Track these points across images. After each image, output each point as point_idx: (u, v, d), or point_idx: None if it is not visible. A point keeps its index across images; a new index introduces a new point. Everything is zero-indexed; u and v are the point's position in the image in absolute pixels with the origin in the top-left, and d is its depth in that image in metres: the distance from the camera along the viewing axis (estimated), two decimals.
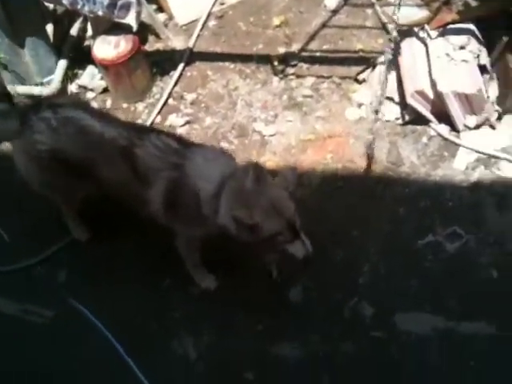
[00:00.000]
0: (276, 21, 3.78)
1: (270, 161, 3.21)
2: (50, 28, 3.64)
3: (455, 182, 3.08)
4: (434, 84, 3.13)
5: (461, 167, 3.12)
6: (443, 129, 3.24)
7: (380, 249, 2.91)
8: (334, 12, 3.81)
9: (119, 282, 2.89)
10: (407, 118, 3.26)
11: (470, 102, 3.13)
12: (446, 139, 3.22)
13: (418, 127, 3.27)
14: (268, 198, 2.20)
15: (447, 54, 3.23)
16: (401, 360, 2.61)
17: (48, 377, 2.67)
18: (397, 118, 3.30)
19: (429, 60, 3.24)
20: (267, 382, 2.63)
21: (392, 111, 3.32)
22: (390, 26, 3.54)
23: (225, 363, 2.66)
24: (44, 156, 2.51)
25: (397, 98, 3.33)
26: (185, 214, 2.42)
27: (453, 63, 3.21)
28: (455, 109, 3.15)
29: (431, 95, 3.16)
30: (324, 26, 3.73)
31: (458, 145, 3.20)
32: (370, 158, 3.15)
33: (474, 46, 3.27)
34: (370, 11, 3.82)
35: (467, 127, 3.20)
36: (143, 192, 2.42)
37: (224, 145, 3.30)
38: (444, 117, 3.22)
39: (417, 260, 2.87)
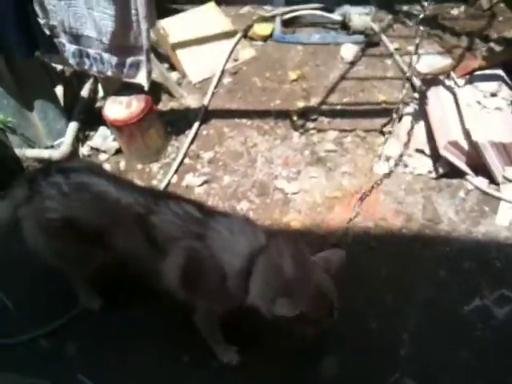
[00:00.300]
0: (292, 75, 3.67)
1: (294, 220, 2.98)
2: (59, 90, 3.55)
3: (500, 240, 2.82)
4: (467, 134, 2.92)
5: (504, 223, 2.87)
6: (481, 182, 3.01)
7: (421, 316, 2.61)
8: (352, 64, 3.71)
9: (133, 356, 2.60)
10: (441, 171, 3.04)
11: (508, 152, 2.91)
12: (485, 193, 2.98)
13: (454, 181, 3.05)
14: (310, 283, 2.03)
15: (478, 102, 3.05)
16: None
17: None
18: (429, 172, 3.08)
19: (459, 109, 3.05)
20: None
21: (424, 164, 3.10)
22: (411, 76, 3.39)
23: None
24: (55, 224, 2.30)
25: (428, 151, 3.12)
26: (205, 289, 2.20)
27: (485, 111, 3.02)
28: (493, 160, 2.92)
29: (466, 146, 2.94)
30: (343, 78, 3.61)
31: (498, 198, 2.95)
32: None
33: (505, 92, 3.09)
34: (389, 61, 3.71)
35: (507, 179, 2.97)
36: (159, 263, 2.21)
37: (245, 204, 3.09)
38: (481, 169, 3.00)
39: (464, 328, 2.56)
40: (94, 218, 2.28)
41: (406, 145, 3.16)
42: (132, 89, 3.22)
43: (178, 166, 3.31)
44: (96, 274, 2.65)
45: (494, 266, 2.74)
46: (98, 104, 3.62)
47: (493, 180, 3.00)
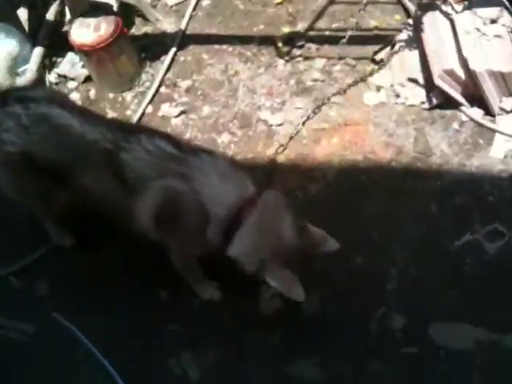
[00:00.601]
0: None
1: (278, 153, 2.82)
2: (23, 13, 3.27)
3: (494, 173, 2.69)
4: (464, 62, 2.73)
5: (499, 156, 2.73)
6: (476, 113, 2.84)
7: (410, 251, 2.51)
8: None
9: (109, 293, 2.49)
10: (435, 101, 2.86)
11: (507, 82, 2.73)
12: (480, 125, 2.82)
13: (448, 112, 2.87)
14: (299, 249, 2.01)
15: (477, 29, 2.84)
16: (437, 380, 2.23)
17: None
18: (422, 102, 2.90)
19: (456, 36, 2.84)
20: None
21: (416, 95, 2.92)
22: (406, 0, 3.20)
23: None
24: (13, 159, 2.13)
25: (421, 80, 2.93)
26: (182, 233, 2.07)
27: (485, 39, 2.81)
28: (490, 89, 2.75)
29: (462, 75, 2.76)
30: (332, 2, 3.35)
31: (493, 130, 2.80)
32: None
33: (506, 18, 2.87)
34: None
35: (504, 110, 2.81)
36: (130, 203, 2.05)
37: (226, 137, 2.91)
38: (477, 99, 2.83)
39: (453, 263, 2.47)
40: (55, 154, 2.10)
41: (399, 74, 2.97)
42: (101, 10, 3.00)
43: (153, 96, 3.10)
44: (64, 210, 2.50)
45: (486, 200, 2.62)
46: (66, 28, 3.32)
47: (488, 111, 2.84)
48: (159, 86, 3.13)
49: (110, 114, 3.05)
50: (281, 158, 2.80)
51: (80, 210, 2.50)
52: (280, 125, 2.93)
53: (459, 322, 2.33)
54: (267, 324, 2.30)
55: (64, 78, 3.23)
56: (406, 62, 3.00)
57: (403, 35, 3.09)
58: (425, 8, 3.09)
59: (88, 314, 2.43)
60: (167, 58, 3.20)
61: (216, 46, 3.26)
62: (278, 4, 3.37)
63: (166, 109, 3.05)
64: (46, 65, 3.23)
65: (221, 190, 1.99)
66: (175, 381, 2.29)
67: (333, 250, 2.12)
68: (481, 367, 2.22)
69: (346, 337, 2.34)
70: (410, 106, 2.91)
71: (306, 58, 3.15)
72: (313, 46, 3.19)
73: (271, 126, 2.93)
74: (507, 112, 2.80)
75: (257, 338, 2.35)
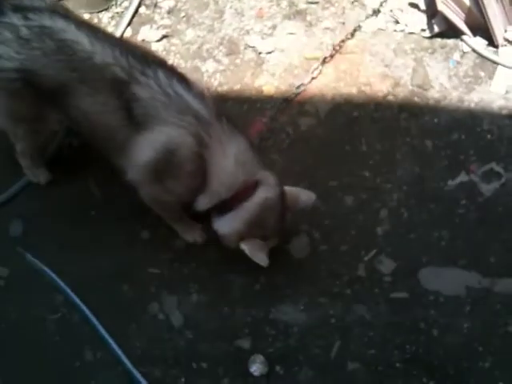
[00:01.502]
0: None
1: (267, 84, 2.63)
2: None
3: (493, 109, 2.54)
4: None
5: (500, 90, 2.57)
6: (479, 43, 2.65)
7: (402, 192, 2.41)
8: None
9: (85, 233, 2.38)
10: (436, 29, 2.66)
11: None
12: (482, 56, 2.64)
13: (449, 41, 2.68)
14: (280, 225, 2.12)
15: None
16: (426, 325, 2.19)
17: (2, 343, 2.23)
18: (423, 30, 2.70)
19: None
20: (265, 351, 2.18)
21: (417, 21, 2.71)
22: None
23: (215, 330, 2.23)
24: (8, 76, 1.93)
25: (423, 5, 2.72)
26: (170, 184, 1.99)
27: None
28: (495, 17, 2.55)
29: (467, 1, 2.55)
30: None
31: (496, 63, 2.62)
32: None
33: None
34: None
35: (508, 41, 2.63)
36: (128, 138, 1.91)
37: (211, 65, 2.70)
38: (480, 29, 2.63)
39: (447, 204, 2.38)
40: (57, 74, 1.90)
41: None
42: None
43: (132, 17, 2.84)
44: (45, 142, 2.37)
45: (484, 138, 2.49)
46: None
47: (492, 42, 2.65)
48: (138, 6, 2.87)
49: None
50: (268, 90, 2.63)
51: (61, 142, 2.46)
52: (270, 52, 2.72)
53: (450, 266, 2.28)
54: (252, 268, 2.22)
55: None
56: None
57: None
58: None
59: (65, 255, 2.34)
60: None
61: None
62: None
63: (146, 32, 2.81)
64: None
65: (231, 171, 1.93)
66: (157, 326, 2.23)
67: (309, 205, 2.14)
68: (469, 313, 2.19)
69: (333, 281, 2.28)
70: (410, 33, 2.71)
71: None
72: None
73: (260, 53, 2.72)
74: (511, 43, 2.62)
75: (242, 282, 2.29)
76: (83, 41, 1.86)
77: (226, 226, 2.05)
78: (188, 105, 1.86)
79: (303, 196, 2.12)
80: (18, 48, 1.88)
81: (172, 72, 1.94)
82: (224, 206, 2.01)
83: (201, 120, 1.86)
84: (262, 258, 2.02)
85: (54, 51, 1.87)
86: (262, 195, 1.98)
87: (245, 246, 2.02)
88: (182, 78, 1.94)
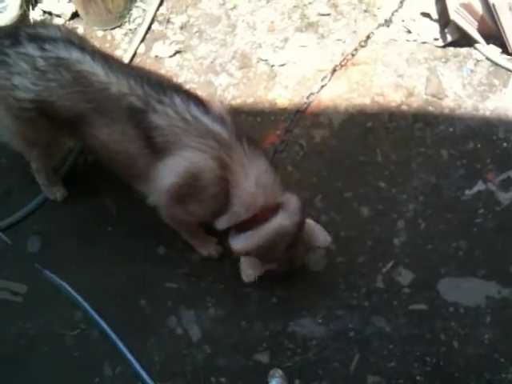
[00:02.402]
0: None
1: (280, 97, 2.64)
2: None
3: (509, 117, 2.53)
4: None
5: None
6: (492, 51, 2.64)
7: (418, 202, 2.40)
8: None
9: (102, 249, 2.40)
10: (449, 38, 2.66)
11: None
12: (496, 64, 2.63)
13: (462, 50, 2.68)
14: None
15: None
16: (447, 337, 2.16)
17: (23, 360, 2.24)
18: (435, 39, 2.70)
19: None
20: (284, 365, 2.17)
21: (429, 30, 2.71)
22: None
23: (233, 344, 2.22)
24: (25, 106, 1.94)
25: (435, 14, 2.72)
26: (192, 207, 2.00)
27: None
28: (509, 25, 2.54)
29: (479, 9, 2.55)
30: None
31: (510, 70, 2.62)
32: None
33: None
34: None
35: None
36: (150, 164, 1.91)
37: (224, 78, 2.72)
38: (494, 36, 2.63)
39: (464, 214, 2.36)
40: (73, 105, 1.91)
41: (411, 7, 2.74)
42: None
43: (146, 33, 2.88)
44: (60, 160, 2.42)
45: (500, 146, 2.48)
46: None
47: (505, 49, 2.64)
48: (151, 23, 2.91)
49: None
50: (282, 103, 2.63)
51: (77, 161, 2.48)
52: (282, 65, 2.73)
53: (469, 276, 2.26)
54: (269, 280, 2.21)
55: (49, 14, 3.00)
56: None
57: None
58: None
59: (82, 271, 2.36)
60: None
61: None
62: None
63: (159, 48, 2.83)
64: (29, 0, 2.97)
65: (252, 193, 1.90)
66: (176, 340, 2.23)
67: (323, 247, 2.18)
68: (490, 323, 2.16)
69: (351, 293, 2.27)
70: (422, 43, 2.71)
71: None
72: None
73: (273, 66, 2.73)
74: None
75: (258, 295, 2.28)
76: (99, 72, 1.86)
77: (239, 244, 2.04)
78: (207, 128, 1.85)
79: (320, 236, 2.09)
80: (34, 79, 1.89)
81: (188, 96, 1.92)
82: (242, 226, 1.99)
83: (221, 142, 1.85)
84: (247, 274, 2.03)
85: (70, 83, 1.88)
86: (278, 221, 1.96)
87: (242, 259, 2.03)
88: (199, 102, 1.93)
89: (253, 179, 1.89)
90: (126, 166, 2.00)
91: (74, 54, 1.89)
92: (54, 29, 2.08)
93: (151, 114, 1.84)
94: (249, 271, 2.02)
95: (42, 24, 2.66)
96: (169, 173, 1.88)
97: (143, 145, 1.88)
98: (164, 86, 1.91)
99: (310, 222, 2.09)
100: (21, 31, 1.99)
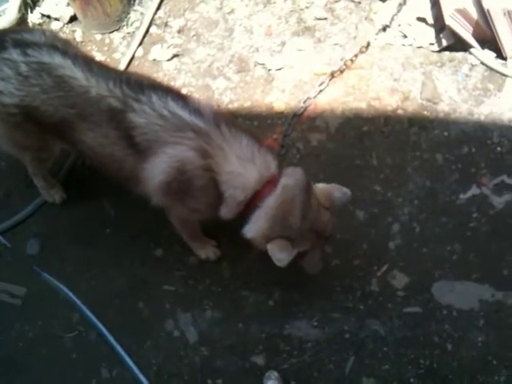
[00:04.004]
0: None
1: (277, 101, 2.66)
2: None
3: (503, 122, 2.55)
4: (478, 1, 2.52)
5: (509, 102, 2.58)
6: (487, 55, 2.66)
7: (413, 206, 2.42)
8: None
9: (100, 251, 2.42)
10: (444, 43, 2.67)
11: None
12: (490, 68, 2.65)
13: (457, 54, 2.69)
14: (311, 228, 1.95)
15: None
16: (440, 340, 2.19)
17: (23, 363, 2.27)
18: (431, 44, 2.71)
19: None
20: (280, 367, 2.20)
21: (425, 35, 2.72)
22: None
23: (230, 346, 2.25)
24: (10, 111, 1.96)
25: (430, 20, 2.73)
26: (188, 203, 1.97)
27: None
28: (503, 31, 2.55)
29: (475, 14, 2.56)
30: None
31: (504, 75, 2.63)
32: None
33: None
34: None
35: None
36: (137, 166, 1.91)
37: (222, 82, 2.73)
38: (488, 41, 2.64)
39: (459, 218, 2.39)
40: (56, 109, 1.92)
41: (406, 12, 2.75)
42: None
43: (143, 37, 2.89)
44: (55, 164, 2.44)
45: (495, 150, 2.50)
46: None
47: (500, 54, 2.66)
48: (149, 26, 2.91)
49: (98, 58, 2.84)
50: (279, 106, 2.65)
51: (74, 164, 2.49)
52: (279, 69, 2.74)
53: (463, 280, 2.28)
54: (265, 284, 2.24)
55: (48, 17, 3.00)
56: None
57: None
58: None
59: (80, 273, 2.38)
60: None
61: None
62: None
63: (157, 51, 2.84)
64: (28, 3, 2.98)
65: (239, 172, 1.86)
66: (173, 342, 2.26)
67: (345, 202, 2.02)
68: (483, 326, 2.19)
69: (346, 296, 2.29)
70: (418, 47, 2.73)
71: None
72: None
73: (270, 70, 2.74)
74: None
75: (255, 298, 2.31)
76: (79, 76, 1.87)
77: (252, 229, 1.93)
78: (185, 121, 1.85)
79: (337, 193, 1.99)
80: (18, 84, 1.91)
81: (167, 92, 1.92)
82: (248, 209, 1.91)
83: (200, 132, 1.84)
84: (279, 258, 1.88)
85: (52, 87, 1.89)
86: (281, 185, 1.88)
87: (269, 246, 1.90)
88: (177, 96, 1.92)
89: (234, 158, 1.85)
90: (115, 170, 2.01)
91: (56, 59, 1.91)
92: (38, 33, 2.09)
93: (130, 114, 1.85)
94: (280, 255, 1.88)
95: (28, 29, 2.67)
96: (155, 172, 1.88)
97: (126, 145, 1.89)
98: (143, 86, 1.91)
99: (320, 185, 2.02)
100: (6, 37, 2.00)
